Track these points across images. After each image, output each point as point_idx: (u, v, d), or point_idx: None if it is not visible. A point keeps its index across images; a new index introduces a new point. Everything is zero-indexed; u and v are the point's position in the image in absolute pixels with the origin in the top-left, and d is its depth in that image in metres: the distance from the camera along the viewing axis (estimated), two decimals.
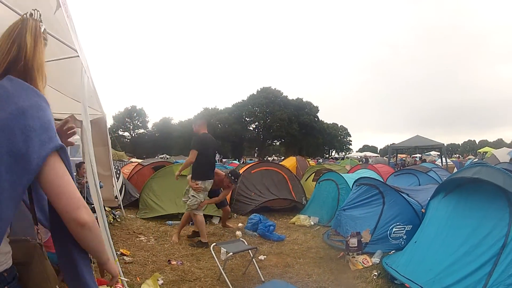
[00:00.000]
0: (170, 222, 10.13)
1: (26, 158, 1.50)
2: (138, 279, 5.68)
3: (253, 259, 6.16)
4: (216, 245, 6.10)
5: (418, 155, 41.96)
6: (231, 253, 5.81)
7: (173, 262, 6.71)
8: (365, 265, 6.42)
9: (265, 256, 7.31)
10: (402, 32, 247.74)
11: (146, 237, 8.57)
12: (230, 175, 9.03)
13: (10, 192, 1.48)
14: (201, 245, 7.87)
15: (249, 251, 6.31)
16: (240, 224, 10.13)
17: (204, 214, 10.43)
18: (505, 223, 4.66)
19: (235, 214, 11.49)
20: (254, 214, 9.92)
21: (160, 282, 5.59)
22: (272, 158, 54.37)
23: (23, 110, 1.54)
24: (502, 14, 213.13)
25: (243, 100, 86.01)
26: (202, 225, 8.11)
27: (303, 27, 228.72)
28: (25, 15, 1.86)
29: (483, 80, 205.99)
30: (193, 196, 8.05)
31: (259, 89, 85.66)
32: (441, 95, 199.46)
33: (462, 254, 4.85)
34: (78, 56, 4.76)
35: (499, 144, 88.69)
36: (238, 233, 9.01)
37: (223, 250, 5.93)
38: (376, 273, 6.02)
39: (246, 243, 6.42)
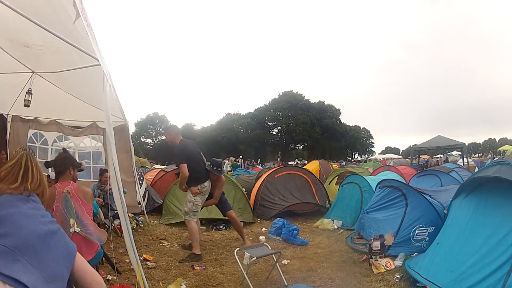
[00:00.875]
0: None
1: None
2: (161, 284, 5.75)
3: (277, 264, 6.14)
4: (239, 249, 6.12)
5: (440, 155, 41.65)
6: (255, 258, 5.82)
7: (196, 267, 6.75)
8: (388, 268, 6.38)
9: (289, 261, 7.30)
10: (420, 32, 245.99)
11: (169, 243, 8.63)
12: (211, 165, 8.03)
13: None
14: (194, 258, 7.22)
15: (273, 255, 6.28)
16: (263, 229, 10.14)
17: (226, 219, 10.47)
18: None
19: (259, 219, 11.52)
20: (278, 218, 9.94)
21: (183, 287, 5.64)
22: (296, 162, 54.21)
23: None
24: None
25: (265, 105, 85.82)
26: (196, 234, 7.49)
27: (324, 31, 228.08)
28: (21, 150, 2.49)
29: (502, 78, 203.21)
30: (189, 201, 7.62)
31: (281, 93, 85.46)
32: (460, 95, 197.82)
33: (483, 254, 4.81)
34: (99, 64, 4.80)
35: None
36: (262, 237, 8.99)
37: (246, 254, 5.95)
38: (398, 276, 5.99)
39: (269, 248, 6.40)
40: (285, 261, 7.24)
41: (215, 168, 8.00)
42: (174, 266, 6.83)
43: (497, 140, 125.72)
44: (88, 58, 4.78)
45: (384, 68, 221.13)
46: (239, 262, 5.87)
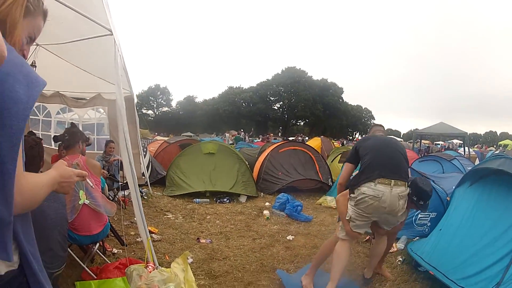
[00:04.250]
0: (197, 200, 10.16)
1: None
2: (167, 257, 5.73)
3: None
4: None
5: (441, 142, 41.59)
6: None
7: (202, 241, 6.74)
8: (391, 250, 6.36)
9: (293, 237, 7.29)
10: (429, 19, 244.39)
11: (173, 215, 8.60)
12: (413, 196, 4.75)
13: None
14: None
15: None
16: (267, 203, 10.11)
17: (230, 192, 10.40)
18: None
19: (262, 193, 11.50)
20: (282, 194, 9.91)
21: (190, 260, 5.60)
22: (296, 137, 54.11)
23: None
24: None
25: (267, 80, 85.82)
26: (337, 260, 4.79)
27: (331, 8, 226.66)
28: None
29: (507, 72, 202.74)
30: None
31: (284, 69, 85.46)
32: (465, 84, 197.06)
33: (483, 245, 4.80)
34: (111, 34, 4.71)
35: None
36: (266, 212, 9.01)
37: None
38: (401, 259, 6.03)
39: None
40: (289, 237, 7.24)
41: (420, 201, 4.81)
42: (179, 239, 6.81)
43: (498, 133, 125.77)
44: (98, 28, 4.69)
45: (389, 50, 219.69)
46: None
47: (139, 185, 9.87)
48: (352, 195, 4.72)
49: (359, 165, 4.91)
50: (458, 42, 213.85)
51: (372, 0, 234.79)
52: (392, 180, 4.49)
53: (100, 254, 5.34)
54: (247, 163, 12.42)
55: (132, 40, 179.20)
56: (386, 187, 4.46)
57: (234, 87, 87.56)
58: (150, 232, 6.78)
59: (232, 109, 78.49)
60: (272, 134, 48.93)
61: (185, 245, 6.47)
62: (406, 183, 4.66)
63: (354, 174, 5.21)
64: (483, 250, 4.75)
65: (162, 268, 4.35)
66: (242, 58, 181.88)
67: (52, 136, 7.79)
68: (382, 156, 4.73)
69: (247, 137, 45.67)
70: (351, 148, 18.75)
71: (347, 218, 4.75)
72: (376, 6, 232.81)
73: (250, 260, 5.93)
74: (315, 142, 23.88)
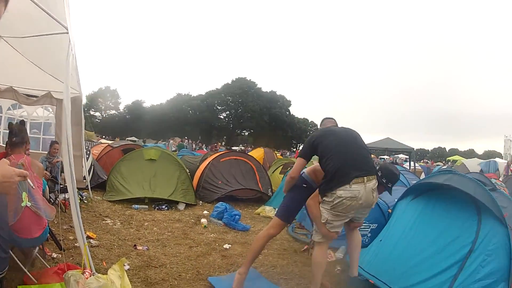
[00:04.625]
0: (136, 206, 10.12)
1: None
2: (104, 264, 5.73)
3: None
4: None
5: (386, 156, 42.45)
6: None
7: (139, 247, 6.74)
8: (329, 260, 6.49)
9: (230, 245, 7.39)
10: (382, 35, 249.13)
11: (112, 221, 8.55)
12: (383, 178, 5.00)
13: None
14: None
15: None
16: (205, 212, 10.15)
17: (169, 200, 10.42)
18: (473, 230, 4.79)
19: (201, 201, 11.58)
20: (221, 202, 10.01)
21: (126, 267, 5.60)
22: (240, 147, 54.20)
23: None
24: (485, 27, 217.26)
25: (217, 89, 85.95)
26: (316, 267, 4.98)
27: (287, 21, 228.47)
28: None
29: (461, 91, 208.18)
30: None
31: (234, 79, 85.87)
32: (415, 100, 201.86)
33: (429, 255, 4.96)
34: (67, 32, 4.73)
35: (470, 154, 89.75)
36: (203, 220, 9.07)
37: None
38: (339, 268, 6.19)
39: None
40: (226, 246, 7.34)
41: (388, 183, 5.06)
42: (117, 245, 6.80)
43: (447, 150, 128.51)
44: (55, 24, 4.68)
45: (339, 65, 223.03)
46: None
47: (80, 189, 9.82)
48: (325, 199, 4.73)
49: (321, 164, 5.00)
50: (410, 57, 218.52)
51: (322, 15, 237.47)
52: (365, 177, 4.63)
53: (40, 258, 5.29)
54: (187, 171, 12.48)
55: (87, 40, 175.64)
56: (360, 185, 4.57)
57: (183, 94, 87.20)
58: (88, 237, 6.74)
59: (178, 116, 77.90)
60: (219, 143, 48.89)
61: (122, 252, 6.47)
62: (375, 175, 4.87)
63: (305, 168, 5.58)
64: (429, 259, 4.91)
65: (99, 274, 4.37)
66: (194, 65, 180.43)
67: (9, 130, 7.72)
68: (349, 158, 4.79)
69: (194, 144, 45.55)
70: (293, 160, 19.01)
71: (323, 221, 4.76)
72: (325, 21, 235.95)
73: (186, 268, 5.98)
74: (257, 153, 24.04)
